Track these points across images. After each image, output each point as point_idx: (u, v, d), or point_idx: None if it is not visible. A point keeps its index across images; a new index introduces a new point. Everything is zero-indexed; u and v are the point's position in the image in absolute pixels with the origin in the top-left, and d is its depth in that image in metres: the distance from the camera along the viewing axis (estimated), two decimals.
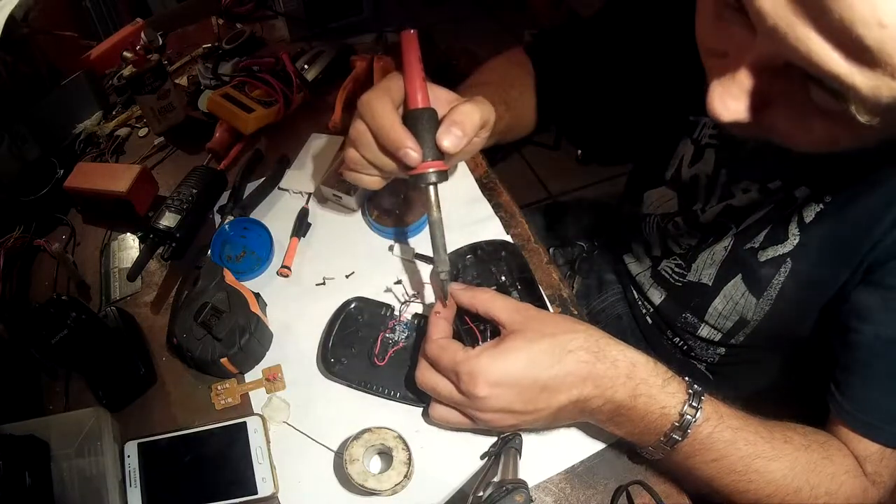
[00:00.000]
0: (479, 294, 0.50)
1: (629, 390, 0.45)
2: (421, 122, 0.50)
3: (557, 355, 0.45)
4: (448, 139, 0.49)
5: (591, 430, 0.53)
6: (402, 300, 0.63)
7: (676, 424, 0.44)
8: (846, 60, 0.28)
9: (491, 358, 0.45)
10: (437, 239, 0.51)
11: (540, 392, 0.45)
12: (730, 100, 0.36)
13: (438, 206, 0.51)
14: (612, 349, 0.46)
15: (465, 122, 0.50)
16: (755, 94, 0.36)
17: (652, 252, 0.75)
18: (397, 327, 0.59)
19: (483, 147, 0.72)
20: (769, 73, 0.34)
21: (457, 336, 0.51)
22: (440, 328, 0.50)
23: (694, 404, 0.45)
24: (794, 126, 0.37)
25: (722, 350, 0.69)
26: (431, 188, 0.50)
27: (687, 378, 0.47)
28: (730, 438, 0.45)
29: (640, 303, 0.79)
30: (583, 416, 0.48)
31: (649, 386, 0.45)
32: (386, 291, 0.64)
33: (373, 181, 0.55)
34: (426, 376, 0.49)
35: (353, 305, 0.61)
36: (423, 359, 0.49)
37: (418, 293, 0.63)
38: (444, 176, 0.50)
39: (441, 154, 0.50)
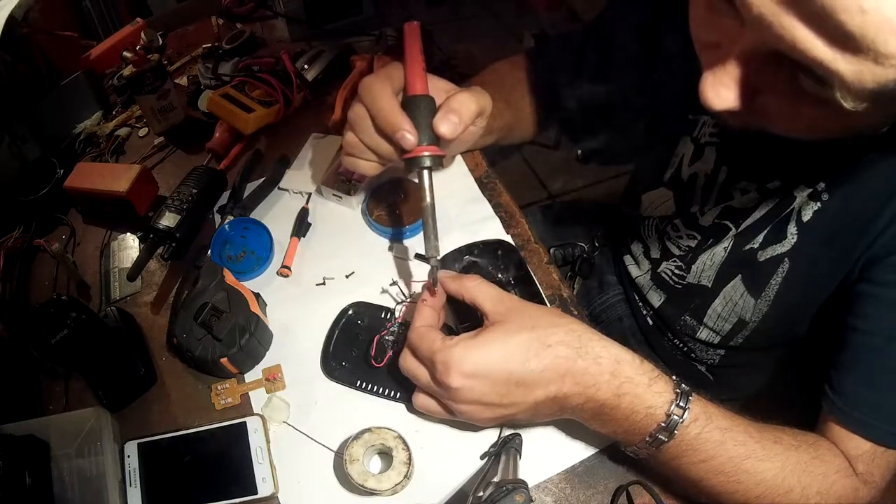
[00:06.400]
0: (466, 281, 0.50)
1: (613, 389, 0.44)
2: (419, 108, 0.50)
3: (535, 350, 0.44)
4: (445, 125, 0.50)
5: (591, 431, 0.52)
6: (399, 300, 0.63)
7: (663, 425, 0.43)
8: (829, 47, 0.29)
9: (466, 349, 0.44)
10: (428, 225, 0.51)
11: (515, 387, 0.44)
12: (721, 88, 0.37)
13: (432, 192, 0.51)
14: (595, 345, 0.45)
15: (462, 109, 0.51)
16: (745, 83, 0.36)
17: (651, 255, 0.75)
18: (395, 329, 0.59)
19: (483, 145, 0.72)
20: (758, 61, 0.35)
21: (451, 333, 0.51)
22: (424, 316, 0.50)
23: (681, 404, 0.43)
24: (784, 113, 0.38)
25: (721, 352, 0.69)
26: (426, 173, 0.51)
27: (675, 377, 0.46)
28: (718, 439, 0.44)
29: (640, 305, 0.79)
30: (565, 413, 0.47)
31: (635, 385, 0.44)
32: (382, 293, 0.64)
33: (369, 166, 0.56)
34: (407, 361, 0.49)
35: (352, 311, 0.61)
36: (406, 346, 0.49)
37: (416, 293, 0.63)
38: (438, 161, 0.51)
39: (437, 141, 0.51)
